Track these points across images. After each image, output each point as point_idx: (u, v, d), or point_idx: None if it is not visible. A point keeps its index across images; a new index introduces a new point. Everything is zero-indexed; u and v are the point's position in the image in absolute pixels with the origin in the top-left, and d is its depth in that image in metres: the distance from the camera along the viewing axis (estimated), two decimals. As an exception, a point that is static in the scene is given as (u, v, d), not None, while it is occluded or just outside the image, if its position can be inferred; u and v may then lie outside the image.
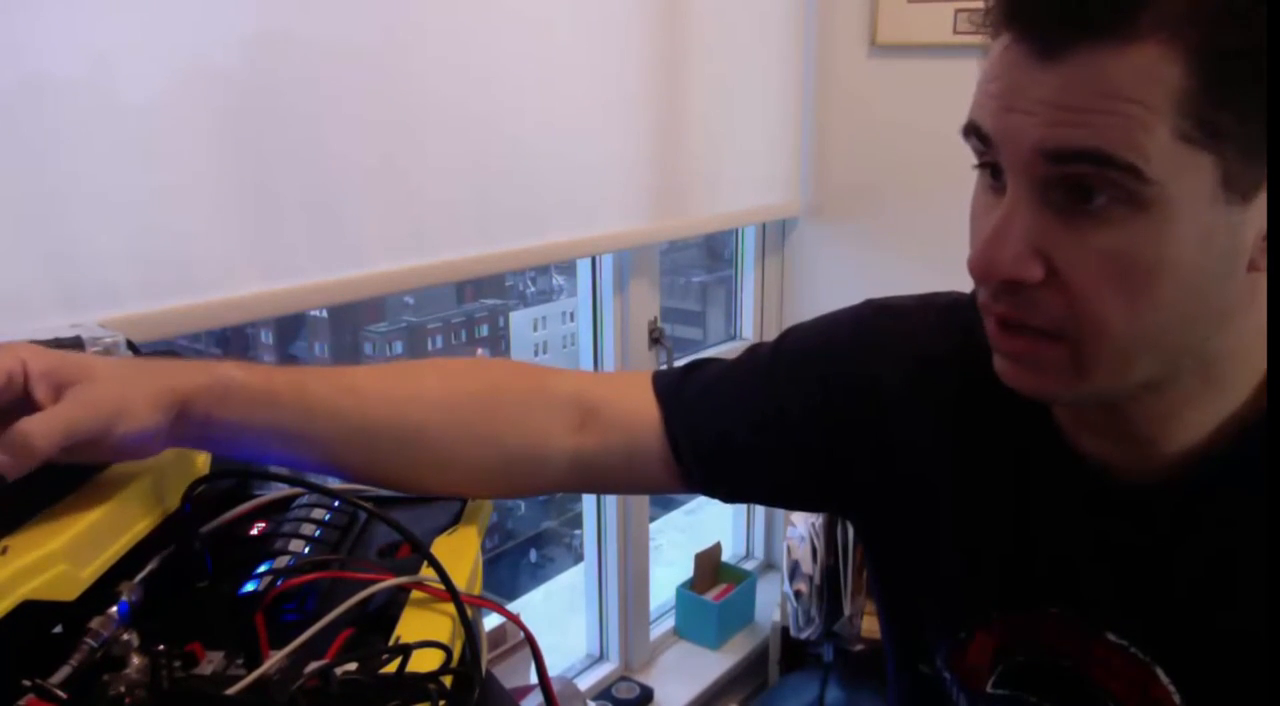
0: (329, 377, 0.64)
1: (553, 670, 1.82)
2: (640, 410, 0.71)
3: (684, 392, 0.72)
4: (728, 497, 0.77)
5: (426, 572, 0.60)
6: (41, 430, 0.50)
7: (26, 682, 0.46)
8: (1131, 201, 0.47)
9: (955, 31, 1.81)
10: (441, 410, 0.67)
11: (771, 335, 2.27)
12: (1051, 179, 0.49)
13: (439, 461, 0.67)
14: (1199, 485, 0.57)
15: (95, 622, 0.51)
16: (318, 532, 0.66)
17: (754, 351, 0.75)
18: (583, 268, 1.75)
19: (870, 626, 1.89)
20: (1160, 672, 0.59)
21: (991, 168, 0.53)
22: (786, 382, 0.71)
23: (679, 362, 0.77)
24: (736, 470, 0.72)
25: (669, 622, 2.16)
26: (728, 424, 0.71)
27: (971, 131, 0.53)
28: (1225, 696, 0.58)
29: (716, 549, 2.19)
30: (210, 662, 0.53)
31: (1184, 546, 0.58)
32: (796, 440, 0.70)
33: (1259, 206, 0.48)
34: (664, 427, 0.71)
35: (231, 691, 0.49)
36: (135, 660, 0.51)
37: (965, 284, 0.71)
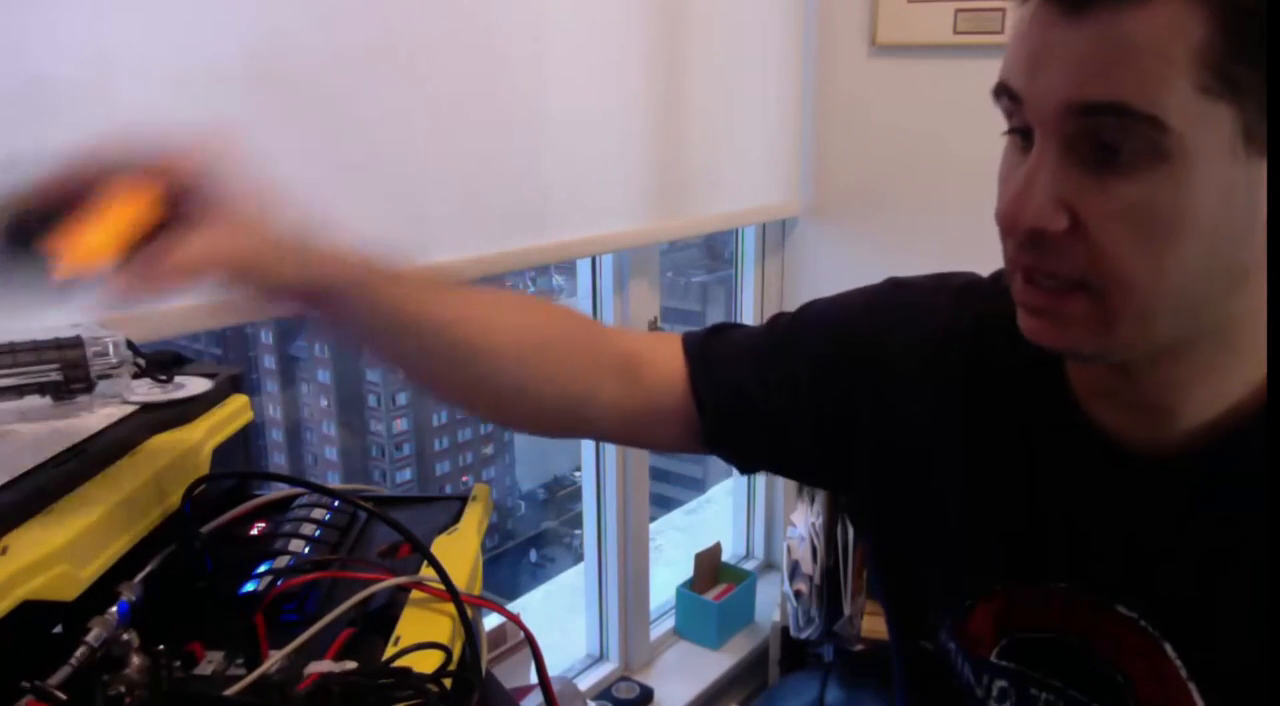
0: (434, 287, 0.68)
1: (553, 670, 1.82)
2: (671, 367, 0.74)
3: (709, 351, 0.75)
4: (740, 460, 0.79)
5: (426, 572, 0.60)
6: (189, 264, 0.54)
7: (26, 683, 0.46)
8: (1153, 153, 0.48)
9: (955, 31, 1.81)
10: (515, 340, 0.70)
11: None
12: (1077, 133, 0.50)
13: (500, 389, 0.70)
14: (1212, 460, 0.58)
15: (95, 622, 0.51)
16: (318, 532, 0.66)
17: (776, 319, 0.77)
18: (583, 268, 1.75)
19: (870, 626, 1.89)
20: (1168, 647, 0.59)
21: (1020, 129, 0.54)
22: (801, 346, 0.73)
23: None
24: (748, 429, 0.74)
25: (669, 622, 2.16)
26: (744, 383, 0.73)
27: (1002, 91, 0.54)
28: (1233, 673, 0.58)
29: (716, 549, 2.19)
30: (210, 662, 0.53)
31: (1195, 521, 0.58)
32: (805, 401, 0.72)
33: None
34: (690, 384, 0.74)
35: (231, 691, 0.49)
36: (135, 660, 0.51)
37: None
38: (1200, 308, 0.53)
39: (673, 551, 2.42)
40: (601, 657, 2.00)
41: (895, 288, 0.74)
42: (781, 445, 0.75)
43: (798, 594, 1.96)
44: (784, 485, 2.25)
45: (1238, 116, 0.48)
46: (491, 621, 1.46)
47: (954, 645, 0.68)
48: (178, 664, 0.52)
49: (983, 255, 0.64)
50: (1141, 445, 0.60)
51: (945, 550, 0.68)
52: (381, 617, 0.58)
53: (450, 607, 0.58)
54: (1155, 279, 0.51)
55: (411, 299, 0.66)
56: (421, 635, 0.55)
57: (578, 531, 2.24)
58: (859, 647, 1.91)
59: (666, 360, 0.75)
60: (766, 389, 0.73)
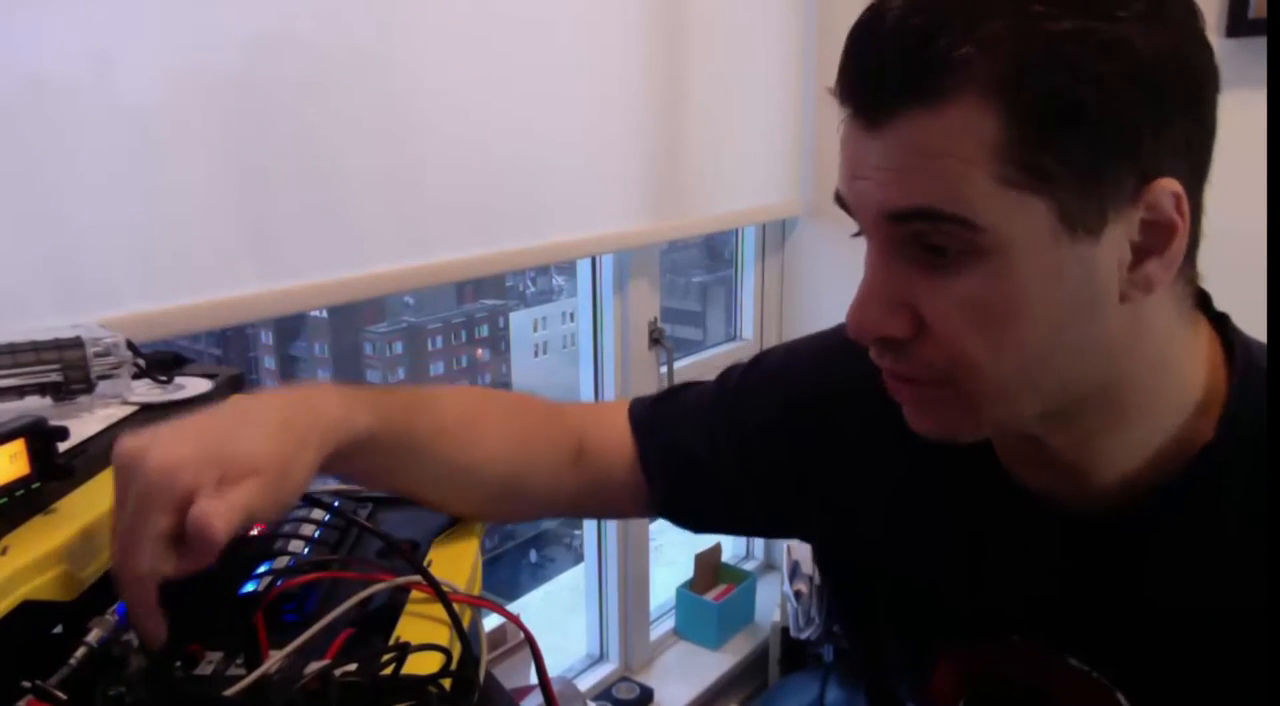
0: (429, 416, 0.68)
1: (553, 670, 1.82)
2: (618, 441, 0.76)
3: (656, 421, 0.76)
4: (695, 524, 0.80)
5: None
6: (224, 513, 0.49)
7: (26, 683, 0.46)
8: (972, 249, 0.49)
9: (955, 32, 1.81)
10: (497, 454, 0.72)
11: (771, 335, 2.26)
12: (899, 238, 0.51)
13: (481, 494, 0.72)
14: (1143, 513, 0.58)
15: (95, 622, 0.51)
16: (317, 532, 0.66)
17: (726, 375, 0.78)
18: (583, 268, 1.75)
19: (870, 626, 1.89)
20: (1121, 697, 0.60)
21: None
22: (750, 410, 0.74)
23: (677, 376, 0.82)
24: (700, 497, 0.75)
25: (669, 622, 2.15)
26: (694, 452, 0.74)
27: (837, 199, 0.55)
28: None
29: (716, 549, 2.19)
30: (210, 662, 0.53)
31: (1134, 573, 0.59)
32: (757, 467, 0.73)
33: (1112, 240, 0.50)
34: (637, 457, 0.75)
35: (231, 691, 0.49)
36: (135, 660, 0.51)
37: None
38: (1064, 382, 0.54)
39: (673, 551, 2.42)
40: (601, 658, 2.00)
41: (845, 342, 0.72)
42: (735, 510, 0.76)
43: (798, 594, 1.96)
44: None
45: (1051, 205, 0.48)
46: (491, 621, 1.46)
47: (916, 703, 0.69)
48: (178, 664, 0.52)
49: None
50: (1071, 502, 0.60)
51: (897, 611, 0.69)
52: (381, 618, 0.58)
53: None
54: (1000, 365, 0.52)
55: (421, 443, 0.66)
56: (422, 635, 0.55)
57: (578, 531, 2.24)
58: (859, 648, 1.91)
59: (613, 434, 0.76)
60: (717, 457, 0.73)
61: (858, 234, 0.56)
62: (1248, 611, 0.55)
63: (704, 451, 0.74)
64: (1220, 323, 0.60)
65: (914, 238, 0.51)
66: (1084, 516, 0.59)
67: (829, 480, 0.71)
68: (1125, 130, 0.48)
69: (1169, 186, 0.49)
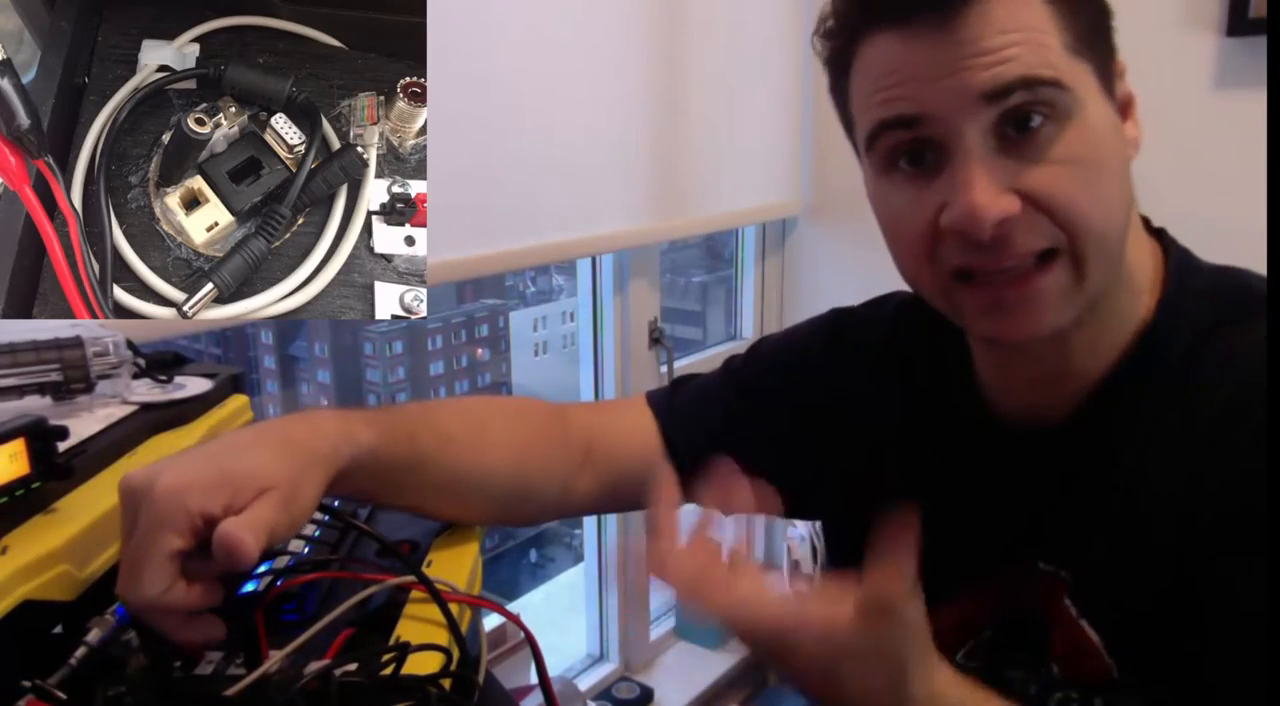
0: (432, 427, 0.68)
1: (553, 670, 1.81)
2: (640, 431, 0.78)
3: (675, 404, 0.80)
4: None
5: (427, 571, 0.60)
6: (251, 528, 0.48)
7: (26, 683, 0.46)
8: (1058, 115, 0.55)
9: (955, 31, 1.81)
10: (506, 459, 0.72)
11: (771, 335, 2.18)
12: (993, 121, 0.55)
13: (490, 501, 0.72)
14: (1097, 406, 0.62)
15: (95, 622, 0.51)
16: (317, 532, 0.66)
17: (729, 362, 0.83)
18: (583, 268, 1.75)
19: (870, 626, 1.89)
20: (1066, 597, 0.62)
21: (909, 154, 0.58)
22: (756, 383, 0.79)
23: (677, 371, 0.85)
24: None
25: (669, 622, 2.15)
26: (711, 425, 0.78)
27: (888, 127, 0.57)
28: (1114, 611, 0.60)
29: (716, 549, 2.19)
30: (210, 662, 0.53)
31: (1098, 476, 0.62)
32: (768, 433, 0.77)
33: (1114, 104, 0.59)
34: (663, 439, 0.78)
35: (231, 691, 0.49)
36: (135, 660, 0.51)
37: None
38: (1123, 242, 0.59)
39: (673, 551, 2.42)
40: (601, 657, 2.00)
41: (837, 317, 0.80)
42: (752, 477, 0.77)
43: (798, 594, 1.96)
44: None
45: (1093, 68, 0.57)
46: (491, 621, 1.46)
47: None
48: (178, 664, 0.52)
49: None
50: (1037, 420, 0.64)
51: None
52: (381, 617, 0.58)
53: (451, 607, 0.58)
54: (1104, 216, 0.56)
55: (426, 452, 0.66)
56: (422, 635, 0.55)
57: (578, 531, 2.24)
58: (859, 647, 1.91)
59: (630, 430, 0.78)
60: (732, 426, 0.77)
61: (892, 161, 0.58)
62: (1194, 499, 0.57)
63: (721, 427, 0.77)
64: (1154, 230, 0.67)
65: (1006, 117, 0.54)
66: (1049, 429, 0.64)
67: (835, 450, 0.75)
68: (1107, 8, 0.59)
69: (1122, 62, 0.59)
